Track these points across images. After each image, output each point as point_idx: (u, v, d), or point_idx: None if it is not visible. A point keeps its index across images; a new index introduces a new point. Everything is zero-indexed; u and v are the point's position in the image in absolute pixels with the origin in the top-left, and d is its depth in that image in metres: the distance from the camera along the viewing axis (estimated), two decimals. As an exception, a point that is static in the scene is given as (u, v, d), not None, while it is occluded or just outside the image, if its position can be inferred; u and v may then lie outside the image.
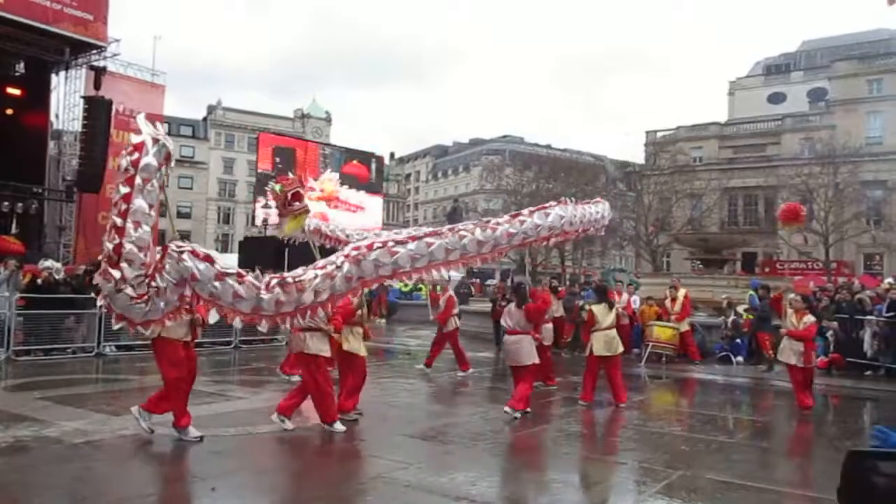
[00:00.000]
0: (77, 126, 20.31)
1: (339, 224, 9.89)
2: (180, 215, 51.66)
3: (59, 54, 19.77)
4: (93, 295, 12.08)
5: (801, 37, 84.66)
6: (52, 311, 11.71)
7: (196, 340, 6.89)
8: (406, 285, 30.07)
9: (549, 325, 10.49)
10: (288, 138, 34.60)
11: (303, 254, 8.32)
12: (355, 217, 28.34)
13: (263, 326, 5.82)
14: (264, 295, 5.54)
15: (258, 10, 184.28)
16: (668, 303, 14.26)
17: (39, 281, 12.06)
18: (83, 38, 19.51)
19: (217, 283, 5.42)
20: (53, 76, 20.77)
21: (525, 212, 7.11)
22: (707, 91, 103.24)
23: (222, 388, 9.13)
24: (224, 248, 52.50)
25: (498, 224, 6.77)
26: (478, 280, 40.37)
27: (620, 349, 8.90)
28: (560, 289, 16.30)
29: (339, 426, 6.83)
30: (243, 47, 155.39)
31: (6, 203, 18.35)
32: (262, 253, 19.87)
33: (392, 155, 76.68)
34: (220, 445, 6.42)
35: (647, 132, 48.28)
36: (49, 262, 13.15)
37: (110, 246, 5.41)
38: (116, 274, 5.32)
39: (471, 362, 11.76)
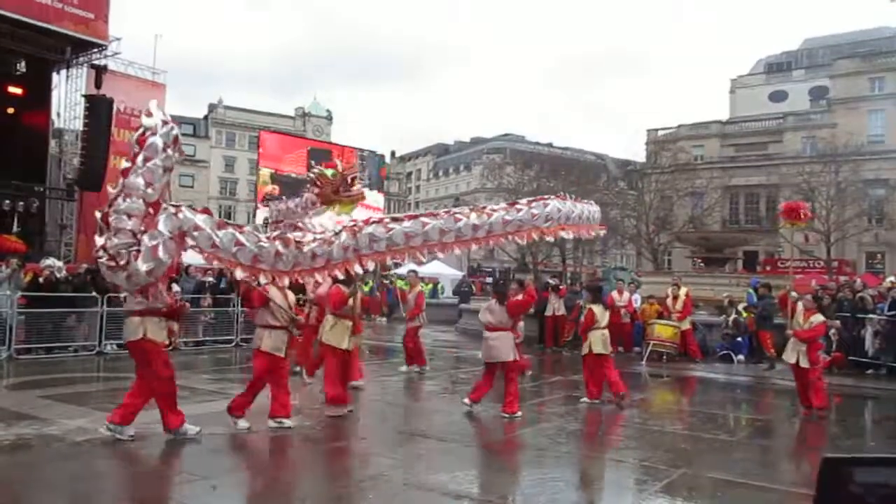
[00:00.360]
0: (78, 125, 20.31)
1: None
2: (181, 214, 51.57)
3: (60, 53, 19.77)
4: (94, 294, 12.17)
5: (802, 35, 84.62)
6: (54, 310, 11.72)
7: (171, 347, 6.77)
8: (407, 283, 30.18)
9: (521, 323, 10.56)
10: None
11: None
12: (359, 213, 28.36)
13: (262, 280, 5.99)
14: (264, 244, 5.74)
15: (258, 9, 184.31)
16: (669, 301, 14.26)
17: (41, 280, 12.07)
18: (84, 37, 19.50)
19: (220, 232, 5.59)
20: (54, 75, 20.75)
21: (523, 201, 7.13)
22: (708, 89, 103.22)
23: (222, 387, 9.12)
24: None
25: (494, 210, 6.79)
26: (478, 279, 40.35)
27: (610, 348, 9.15)
28: (561, 287, 16.31)
29: (287, 422, 6.75)
30: (244, 46, 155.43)
31: (7, 202, 18.35)
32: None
33: (393, 153, 76.68)
34: (220, 443, 6.42)
35: (648, 130, 48.20)
36: (51, 261, 13.17)
37: (99, 215, 5.66)
38: (99, 241, 5.52)
39: (472, 361, 11.75)
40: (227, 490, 5.17)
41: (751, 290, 14.70)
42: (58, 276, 12.34)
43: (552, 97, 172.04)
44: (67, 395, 8.12)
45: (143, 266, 5.50)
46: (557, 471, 5.87)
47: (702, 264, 21.21)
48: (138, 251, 5.50)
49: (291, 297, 7.04)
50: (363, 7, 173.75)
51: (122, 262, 5.49)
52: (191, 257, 14.97)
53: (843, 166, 36.37)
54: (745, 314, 14.18)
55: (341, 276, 7.23)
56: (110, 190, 5.88)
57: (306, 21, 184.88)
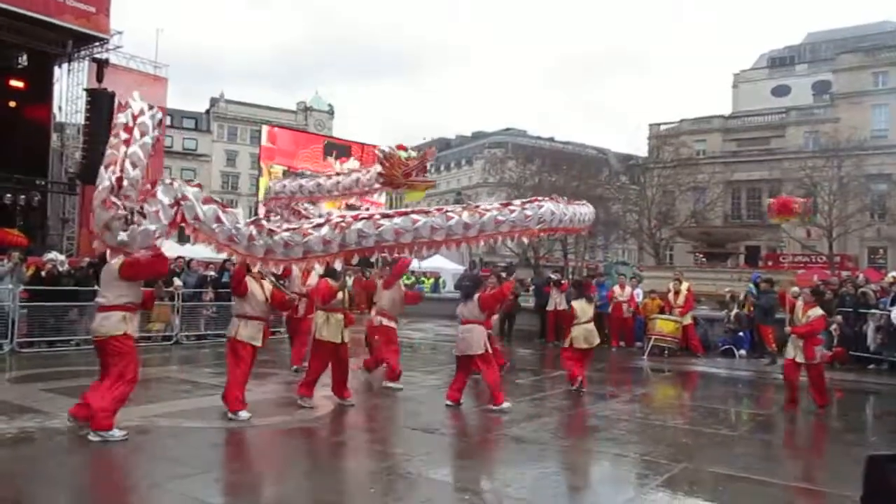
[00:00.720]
0: (80, 118, 20.29)
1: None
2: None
3: (61, 47, 19.76)
4: (96, 287, 12.17)
5: (805, 29, 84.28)
6: (56, 304, 11.73)
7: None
8: (408, 277, 30.15)
9: (496, 317, 10.57)
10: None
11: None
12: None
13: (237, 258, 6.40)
14: (240, 226, 6.13)
15: (259, 4, 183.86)
16: (671, 296, 14.25)
17: (43, 273, 12.09)
18: (85, 31, 19.49)
19: (204, 206, 6.07)
20: (56, 69, 20.75)
21: (516, 202, 7.10)
22: (711, 84, 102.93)
23: (224, 381, 9.11)
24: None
25: (486, 210, 6.77)
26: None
27: (597, 341, 9.36)
28: (563, 282, 16.30)
29: (243, 415, 6.77)
30: (245, 41, 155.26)
31: (9, 195, 18.36)
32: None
33: (395, 148, 76.35)
34: (222, 437, 6.44)
35: (651, 125, 48.13)
36: (53, 255, 13.17)
37: (113, 177, 5.97)
38: (118, 202, 5.87)
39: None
40: (229, 484, 5.18)
41: (751, 285, 14.69)
42: (60, 269, 12.35)
43: (553, 95, 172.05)
44: (70, 388, 8.12)
45: (152, 226, 5.87)
46: (559, 465, 5.88)
47: (703, 259, 21.19)
48: (142, 214, 5.90)
49: (268, 288, 7.16)
50: (363, 5, 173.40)
51: (133, 220, 5.87)
52: (193, 251, 15.04)
53: (846, 161, 36.29)
54: (745, 308, 14.16)
55: (320, 267, 7.35)
56: (102, 172, 6.18)
57: (307, 18, 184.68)
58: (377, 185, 8.65)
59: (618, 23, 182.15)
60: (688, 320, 13.98)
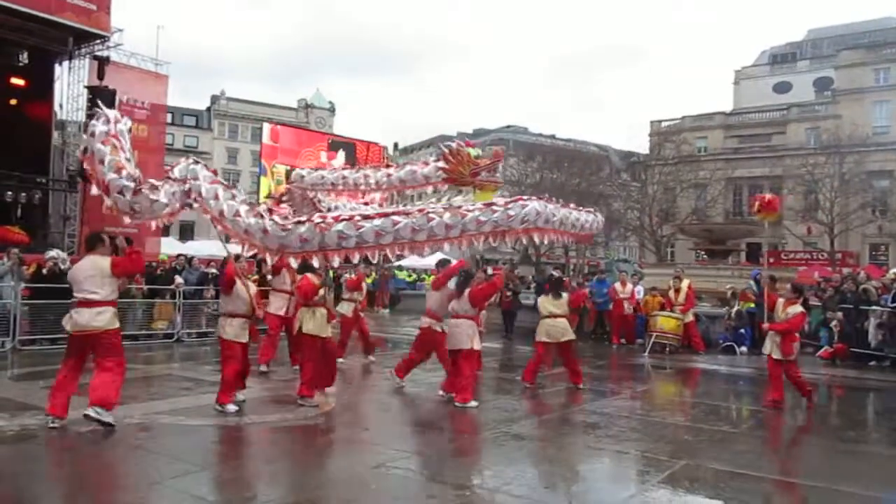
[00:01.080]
0: (81, 116, 20.23)
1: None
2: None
3: (62, 44, 19.71)
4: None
5: (807, 25, 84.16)
6: (58, 301, 11.73)
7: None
8: (409, 275, 30.15)
9: (484, 312, 10.52)
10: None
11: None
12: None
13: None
14: (233, 202, 6.69)
15: (259, 3, 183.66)
16: (672, 293, 14.25)
17: (44, 271, 12.09)
18: (86, 28, 19.43)
19: (207, 185, 6.72)
20: (57, 66, 20.71)
21: (500, 201, 6.99)
22: (712, 80, 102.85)
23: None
24: (227, 239, 52.47)
25: (468, 210, 6.72)
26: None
27: (565, 338, 9.21)
28: (564, 279, 16.31)
29: (230, 407, 7.02)
30: (245, 39, 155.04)
31: (10, 193, 18.36)
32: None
33: (396, 145, 76.54)
34: (223, 435, 6.45)
35: (652, 122, 48.03)
36: (54, 252, 13.17)
37: (130, 182, 6.70)
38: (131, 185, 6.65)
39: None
40: (230, 480, 5.19)
41: (752, 282, 14.68)
42: (62, 267, 12.35)
43: (554, 92, 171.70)
44: (71, 385, 8.13)
45: (162, 198, 6.61)
46: (559, 462, 5.89)
47: (705, 256, 21.19)
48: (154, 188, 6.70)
49: (252, 288, 7.44)
50: (363, 2, 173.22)
51: (143, 188, 6.58)
52: (194, 249, 14.99)
53: (847, 158, 36.25)
54: (745, 304, 14.15)
55: (294, 262, 7.56)
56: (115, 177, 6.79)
57: (306, 15, 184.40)
58: (438, 180, 8.49)
59: (619, 19, 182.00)
60: (689, 317, 13.98)
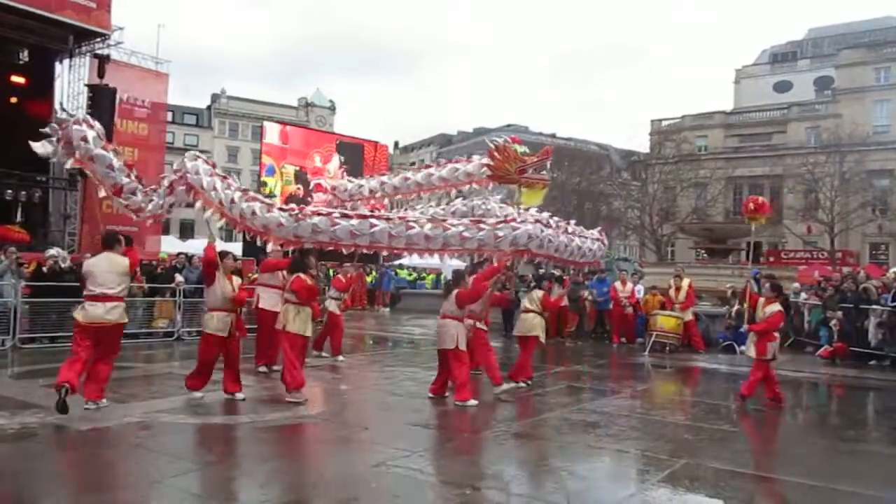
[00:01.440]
0: (81, 114, 20.21)
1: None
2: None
3: (62, 42, 19.69)
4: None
5: (807, 24, 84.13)
6: (58, 299, 11.75)
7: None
8: (410, 274, 30.12)
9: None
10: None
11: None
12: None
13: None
14: (230, 190, 7.16)
15: (260, 2, 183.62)
16: (672, 292, 14.25)
17: (45, 269, 12.09)
18: (87, 26, 19.41)
19: (207, 177, 7.15)
20: (57, 64, 20.68)
21: (490, 220, 6.90)
22: (712, 79, 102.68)
23: (222, 376, 9.13)
24: (228, 237, 52.57)
25: (452, 225, 6.66)
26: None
27: (533, 333, 9.21)
28: (565, 278, 16.31)
29: (196, 394, 7.45)
30: (246, 37, 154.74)
31: (10, 192, 18.34)
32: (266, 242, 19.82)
33: (396, 144, 76.49)
34: (223, 433, 6.45)
35: (652, 121, 48.04)
36: (55, 251, 13.17)
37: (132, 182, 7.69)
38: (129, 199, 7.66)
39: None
40: (230, 479, 5.19)
41: (751, 281, 14.68)
42: (62, 265, 12.36)
43: (554, 91, 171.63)
44: (71, 384, 8.13)
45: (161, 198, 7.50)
46: (560, 461, 5.88)
47: (705, 255, 21.19)
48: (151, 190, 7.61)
49: (237, 282, 7.74)
50: (362, 1, 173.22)
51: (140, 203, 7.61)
52: (194, 248, 14.97)
53: (848, 157, 36.25)
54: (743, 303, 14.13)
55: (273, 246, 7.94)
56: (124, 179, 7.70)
57: (306, 14, 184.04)
58: (482, 178, 8.40)
59: (619, 18, 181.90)
60: (689, 316, 13.98)
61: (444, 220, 6.82)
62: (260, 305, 9.14)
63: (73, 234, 20.20)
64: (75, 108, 20.74)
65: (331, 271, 11.22)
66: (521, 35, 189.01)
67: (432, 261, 13.73)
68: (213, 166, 7.44)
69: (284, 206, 6.99)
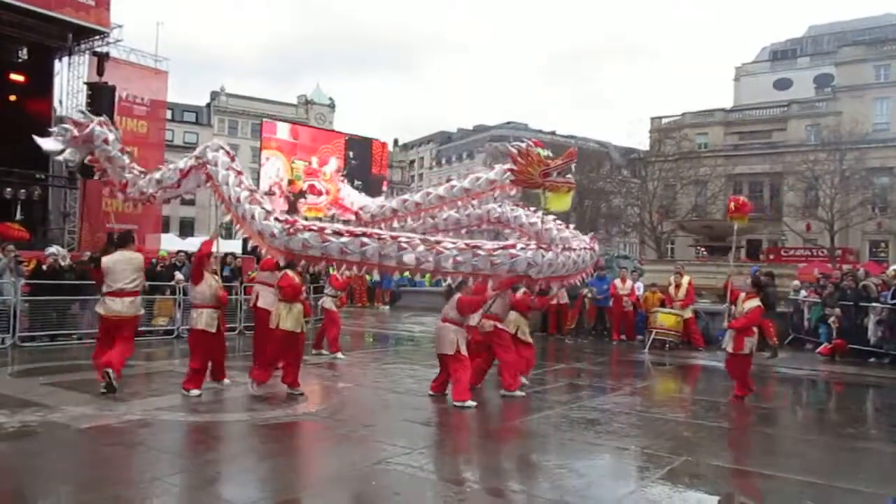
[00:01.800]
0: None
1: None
2: (184, 202, 51.35)
3: (62, 40, 19.68)
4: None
5: (807, 22, 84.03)
6: (58, 298, 11.75)
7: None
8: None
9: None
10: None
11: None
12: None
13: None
14: (238, 187, 7.31)
15: (258, 3, 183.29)
16: (671, 290, 14.24)
17: (44, 267, 12.09)
18: (86, 24, 19.40)
19: (223, 170, 7.45)
20: (56, 62, 20.66)
21: (487, 244, 6.80)
22: (712, 77, 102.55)
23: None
24: (228, 235, 52.52)
25: (446, 248, 6.59)
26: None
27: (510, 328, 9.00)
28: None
29: (193, 392, 7.57)
30: (245, 35, 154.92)
31: (10, 189, 18.34)
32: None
33: (396, 141, 76.42)
34: (223, 431, 6.46)
35: (652, 118, 47.99)
36: (54, 249, 13.17)
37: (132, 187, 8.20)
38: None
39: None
40: (230, 477, 5.20)
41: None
42: (62, 263, 12.36)
43: (554, 89, 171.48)
44: (71, 382, 8.15)
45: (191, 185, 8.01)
46: (560, 458, 5.88)
47: (705, 253, 21.16)
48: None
49: (218, 282, 8.07)
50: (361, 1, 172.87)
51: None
52: (194, 246, 14.99)
53: (848, 154, 36.22)
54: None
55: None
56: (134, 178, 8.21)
57: (305, 11, 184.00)
58: (506, 183, 8.24)
59: (619, 15, 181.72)
60: (689, 314, 13.98)
61: (438, 242, 6.74)
62: (259, 304, 9.10)
63: (73, 232, 20.20)
64: (74, 107, 20.73)
65: (330, 269, 11.15)
66: (520, 33, 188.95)
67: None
68: (233, 158, 7.64)
69: (280, 217, 6.90)
